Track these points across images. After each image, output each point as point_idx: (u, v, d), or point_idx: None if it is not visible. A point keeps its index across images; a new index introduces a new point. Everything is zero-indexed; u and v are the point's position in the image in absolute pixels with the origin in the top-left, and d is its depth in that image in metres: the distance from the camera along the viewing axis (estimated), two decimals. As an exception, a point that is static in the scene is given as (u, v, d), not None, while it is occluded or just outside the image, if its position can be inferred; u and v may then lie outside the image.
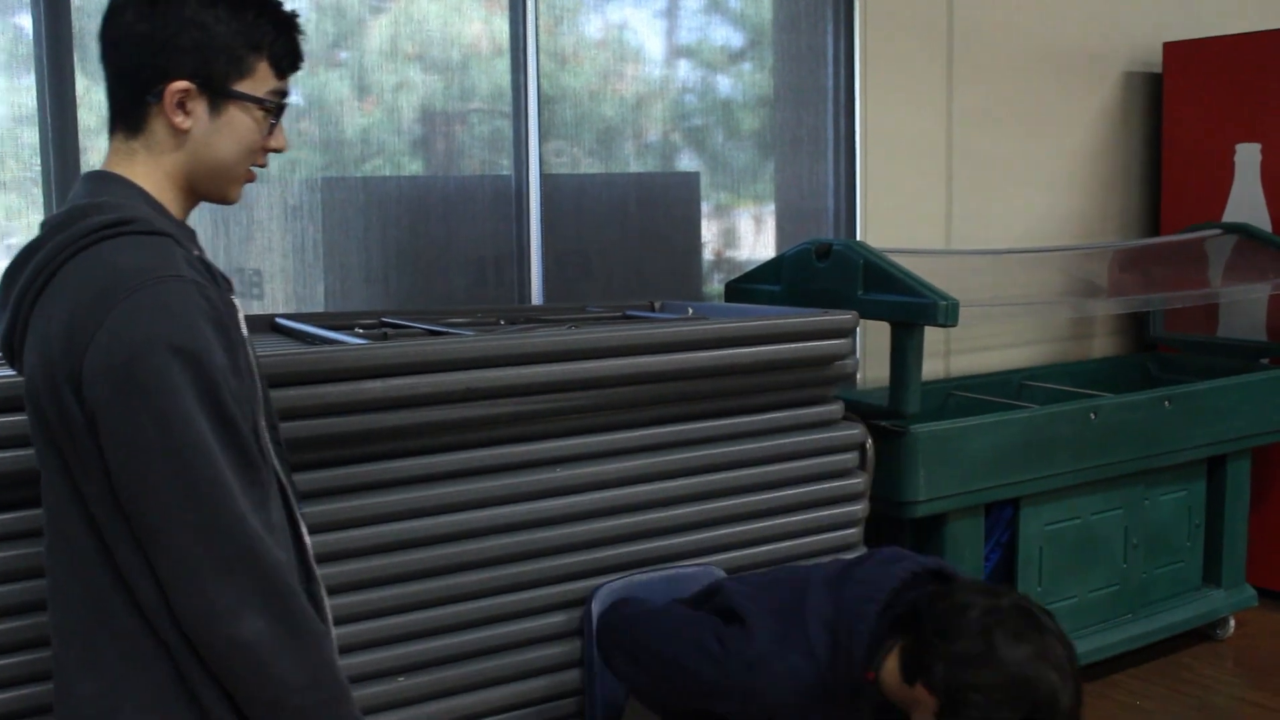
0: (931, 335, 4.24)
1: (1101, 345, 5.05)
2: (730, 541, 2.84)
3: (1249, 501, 4.50)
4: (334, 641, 1.55)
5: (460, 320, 3.12)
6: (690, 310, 3.32)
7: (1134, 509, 4.12)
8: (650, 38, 4.14)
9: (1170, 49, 5.07)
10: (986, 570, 3.82)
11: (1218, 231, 4.75)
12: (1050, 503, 3.85)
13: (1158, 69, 5.12)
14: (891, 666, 2.01)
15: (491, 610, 2.55)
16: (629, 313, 3.35)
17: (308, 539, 1.66)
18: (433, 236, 3.71)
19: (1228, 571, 4.47)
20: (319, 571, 1.68)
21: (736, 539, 2.85)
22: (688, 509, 2.78)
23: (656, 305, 3.51)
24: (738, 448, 2.84)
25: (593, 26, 3.98)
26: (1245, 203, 4.82)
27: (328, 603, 1.68)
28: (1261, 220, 4.77)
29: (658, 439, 2.76)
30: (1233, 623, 4.58)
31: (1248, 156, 4.82)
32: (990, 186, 4.66)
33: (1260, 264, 4.57)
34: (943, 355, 4.50)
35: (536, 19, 3.73)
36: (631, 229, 4.08)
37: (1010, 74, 4.72)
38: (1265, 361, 4.62)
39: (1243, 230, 4.70)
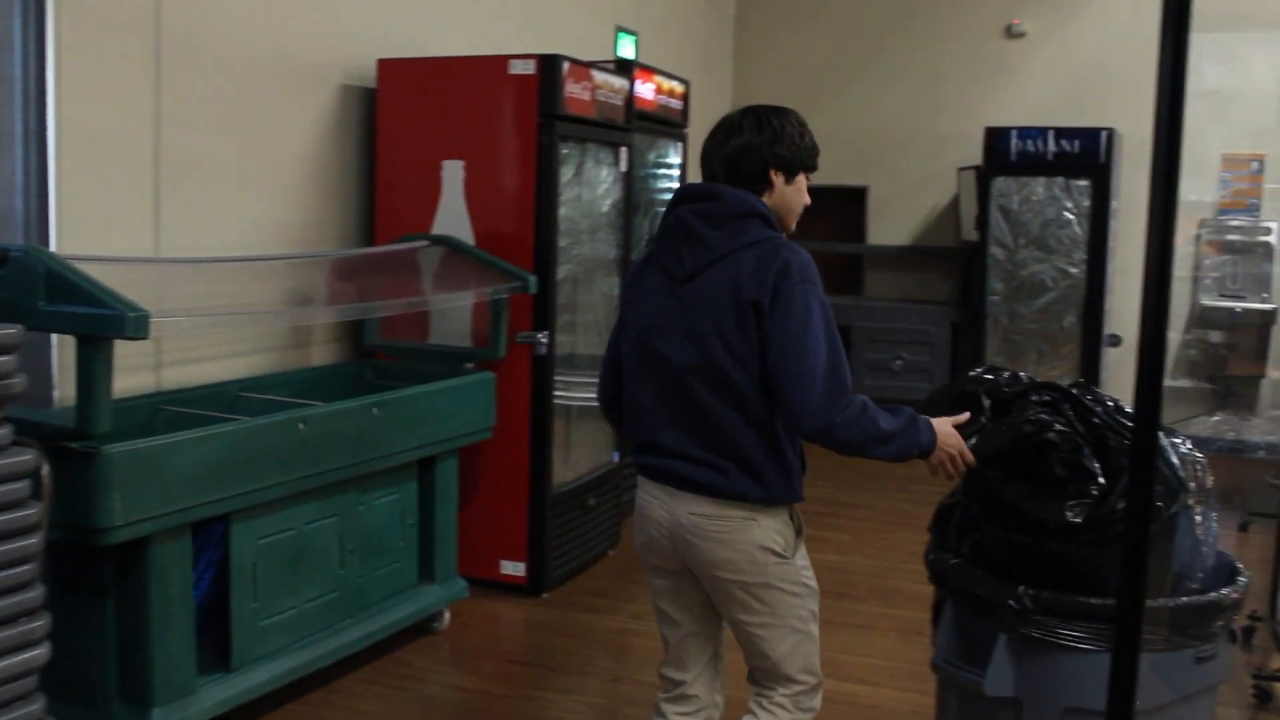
0: (141, 347, 4.04)
1: (321, 353, 5.09)
2: None
3: (457, 499, 4.77)
4: None
5: None
6: None
7: (349, 515, 4.19)
8: None
9: (384, 65, 5.24)
10: (200, 591, 3.69)
11: (425, 243, 4.98)
12: (263, 516, 3.80)
13: (373, 84, 5.26)
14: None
15: None
16: None
17: None
18: None
19: (441, 566, 4.70)
20: None
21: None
22: None
23: None
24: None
25: None
26: (452, 216, 5.10)
27: None
28: (465, 233, 5.07)
29: None
30: (448, 615, 4.83)
31: (453, 173, 5.11)
32: (204, 193, 4.51)
33: (464, 275, 4.86)
34: (153, 368, 4.28)
35: None
36: None
37: (225, 78, 4.60)
38: (470, 366, 4.91)
39: (448, 242, 4.98)
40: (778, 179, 2.73)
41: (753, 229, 2.66)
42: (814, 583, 2.85)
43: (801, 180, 2.76)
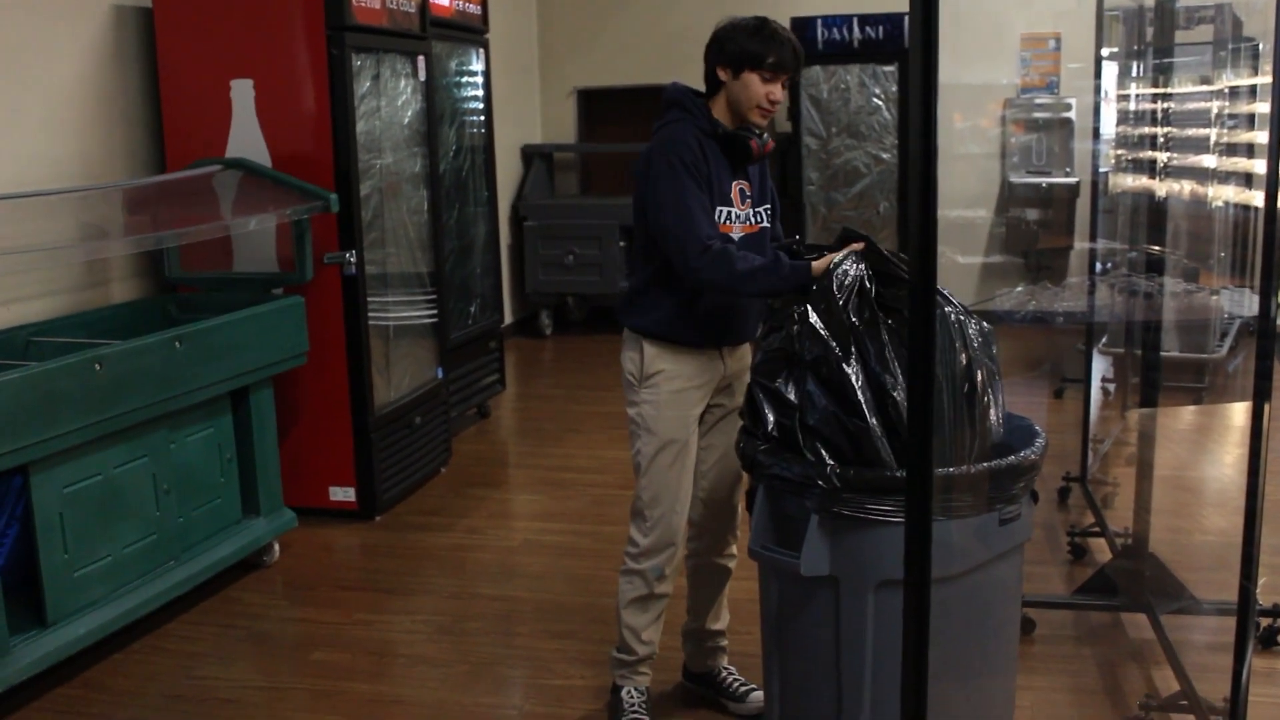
0: (-86, 297, 3.81)
1: (120, 290, 4.87)
2: None
3: (276, 428, 4.65)
4: None
5: None
6: None
7: (160, 454, 4.05)
8: None
9: (158, -17, 4.97)
10: (4, 549, 3.53)
11: (219, 167, 4.78)
12: (65, 463, 3.64)
13: (148, 3, 4.99)
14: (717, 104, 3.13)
15: None
16: None
17: None
18: None
19: (265, 498, 4.59)
20: None
21: None
22: None
23: None
24: None
25: None
26: (245, 138, 4.90)
27: None
28: (261, 154, 4.88)
29: None
30: (277, 547, 4.74)
31: (242, 93, 4.90)
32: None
33: (263, 197, 4.68)
34: (-67, 318, 4.04)
35: None
36: None
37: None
38: (278, 291, 4.76)
39: (243, 165, 4.78)
40: (725, 75, 3.08)
41: (669, 115, 3.11)
42: (658, 427, 3.17)
43: (748, 76, 3.04)
